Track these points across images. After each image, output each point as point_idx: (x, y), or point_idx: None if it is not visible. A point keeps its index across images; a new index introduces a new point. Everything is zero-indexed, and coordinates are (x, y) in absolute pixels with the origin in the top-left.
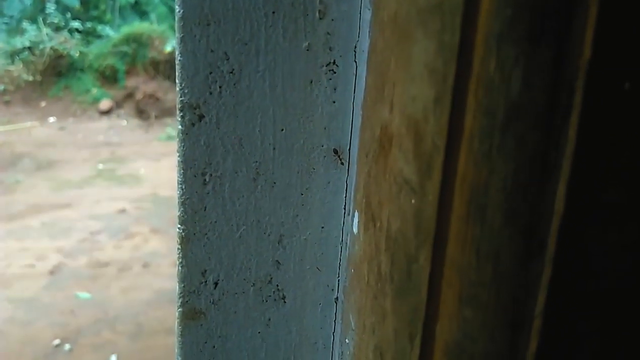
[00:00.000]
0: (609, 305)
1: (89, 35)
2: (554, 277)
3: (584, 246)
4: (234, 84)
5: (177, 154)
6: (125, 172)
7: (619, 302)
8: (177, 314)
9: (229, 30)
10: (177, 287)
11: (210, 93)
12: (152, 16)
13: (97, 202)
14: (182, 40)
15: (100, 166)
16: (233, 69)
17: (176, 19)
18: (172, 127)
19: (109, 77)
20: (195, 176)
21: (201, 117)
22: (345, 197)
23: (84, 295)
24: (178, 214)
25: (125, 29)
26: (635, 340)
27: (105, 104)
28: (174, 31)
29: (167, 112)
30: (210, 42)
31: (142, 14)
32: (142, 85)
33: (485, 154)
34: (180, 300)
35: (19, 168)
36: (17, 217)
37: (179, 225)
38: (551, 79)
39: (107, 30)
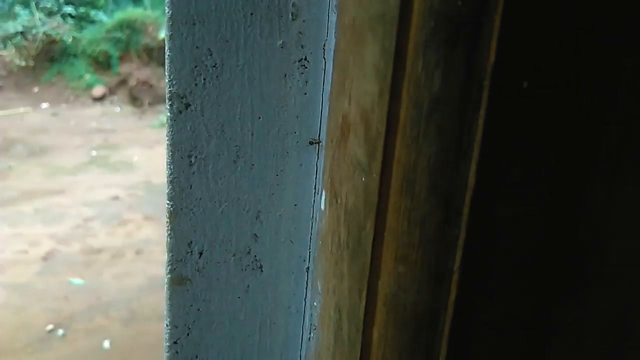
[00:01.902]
0: (514, 262)
1: (82, 21)
2: (467, 240)
3: (493, 214)
4: (217, 77)
5: (166, 138)
6: (118, 159)
7: (521, 259)
8: (165, 280)
9: (212, 29)
10: (166, 256)
11: (196, 84)
12: (146, 2)
13: (91, 188)
14: (171, 38)
15: (94, 153)
16: (216, 64)
17: (165, 19)
18: (165, 115)
19: (102, 63)
20: (182, 158)
21: (187, 105)
22: (316, 178)
23: (77, 281)
24: (167, 191)
25: (119, 15)
26: (536, 288)
27: (98, 90)
28: None
29: (160, 99)
30: (195, 39)
31: (136, 0)
32: (136, 71)
33: (414, 139)
34: (168, 268)
35: (11, 154)
36: (10, 203)
37: (168, 202)
38: (464, 78)
39: (101, 16)
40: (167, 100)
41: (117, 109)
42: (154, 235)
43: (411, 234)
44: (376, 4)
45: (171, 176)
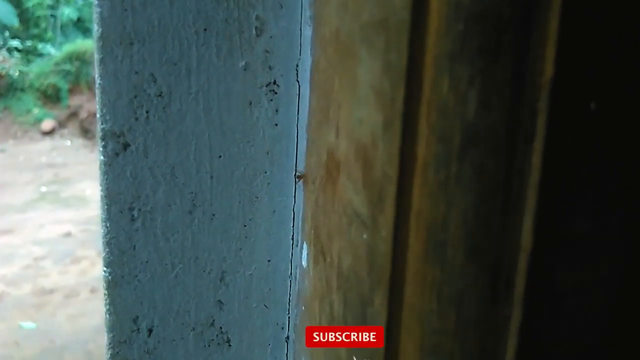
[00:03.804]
0: (585, 347)
1: (29, 54)
2: (524, 321)
3: (556, 284)
4: (163, 108)
5: (100, 189)
6: (70, 194)
7: (595, 341)
8: None
9: (156, 49)
10: (106, 337)
11: (136, 119)
12: None
13: (41, 226)
14: (102, 62)
15: (44, 189)
16: (161, 92)
17: (94, 38)
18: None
19: (51, 97)
20: (121, 212)
21: (126, 145)
22: (293, 226)
23: (29, 325)
24: (103, 255)
25: (68, 47)
26: None
27: (47, 124)
28: None
29: None
30: (134, 62)
31: (85, 31)
32: (87, 103)
33: (442, 185)
34: (109, 352)
35: None
36: None
37: (105, 268)
38: (511, 99)
39: (49, 49)
40: (99, 141)
41: (68, 143)
42: None
43: (443, 316)
44: (373, 7)
45: (108, 236)
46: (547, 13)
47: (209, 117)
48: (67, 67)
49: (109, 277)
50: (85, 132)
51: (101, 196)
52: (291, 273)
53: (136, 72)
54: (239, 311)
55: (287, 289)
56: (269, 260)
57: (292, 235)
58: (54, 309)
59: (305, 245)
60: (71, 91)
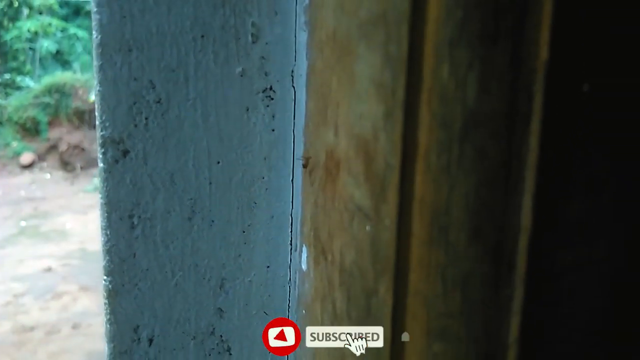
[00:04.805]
0: (586, 326)
1: (7, 87)
2: (525, 301)
3: (557, 263)
4: (162, 115)
5: (100, 196)
6: (50, 228)
7: (595, 322)
8: None
9: (154, 56)
10: (106, 347)
11: (135, 125)
12: (75, 65)
13: (20, 261)
14: (101, 69)
15: (23, 223)
16: (160, 98)
17: (93, 45)
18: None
19: (30, 130)
20: (121, 219)
21: (125, 152)
22: (291, 231)
23: None
24: (103, 264)
25: (47, 79)
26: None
27: (26, 157)
28: None
29: (93, 163)
30: (133, 69)
31: (65, 64)
32: (67, 136)
33: (444, 169)
34: None
35: None
36: None
37: (105, 277)
38: (509, 83)
39: (27, 81)
40: (99, 148)
41: (47, 176)
42: (92, 306)
43: (449, 299)
44: (370, 4)
45: (108, 244)
46: None
47: (207, 124)
48: (47, 99)
49: (110, 286)
50: (65, 164)
51: (101, 204)
52: (290, 278)
53: (135, 79)
54: (239, 319)
55: (286, 295)
56: (268, 266)
57: (291, 240)
58: (35, 346)
59: (304, 249)
60: (51, 124)
